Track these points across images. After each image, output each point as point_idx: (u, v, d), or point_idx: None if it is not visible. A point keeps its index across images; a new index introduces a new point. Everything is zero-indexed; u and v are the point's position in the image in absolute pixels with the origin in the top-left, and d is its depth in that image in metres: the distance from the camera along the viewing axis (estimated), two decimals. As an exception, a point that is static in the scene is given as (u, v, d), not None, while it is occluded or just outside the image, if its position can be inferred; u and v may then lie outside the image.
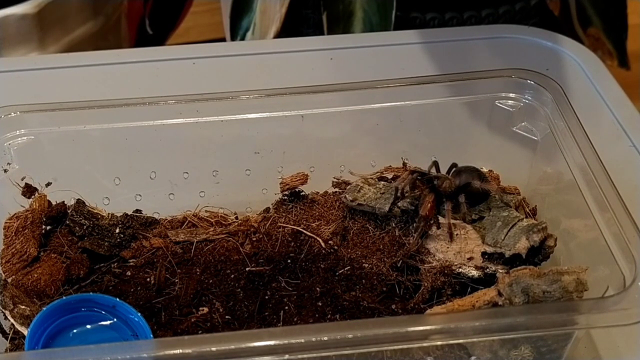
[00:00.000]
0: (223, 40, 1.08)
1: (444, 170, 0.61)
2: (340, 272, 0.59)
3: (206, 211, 0.64)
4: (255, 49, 0.80)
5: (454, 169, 0.61)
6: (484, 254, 0.57)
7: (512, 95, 0.64)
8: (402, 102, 0.64)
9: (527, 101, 0.63)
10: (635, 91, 0.83)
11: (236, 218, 0.64)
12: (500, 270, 0.56)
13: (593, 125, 0.62)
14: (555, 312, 0.49)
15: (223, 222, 0.63)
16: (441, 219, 0.59)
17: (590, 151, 0.58)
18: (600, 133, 0.66)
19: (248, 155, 0.65)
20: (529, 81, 0.63)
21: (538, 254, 0.57)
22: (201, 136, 0.64)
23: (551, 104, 0.62)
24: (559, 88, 0.62)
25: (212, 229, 0.62)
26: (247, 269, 0.59)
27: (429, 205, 0.58)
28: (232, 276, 0.59)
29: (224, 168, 0.65)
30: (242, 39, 0.89)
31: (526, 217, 0.60)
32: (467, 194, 0.59)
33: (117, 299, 0.55)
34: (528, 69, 0.64)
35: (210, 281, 0.58)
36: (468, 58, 0.75)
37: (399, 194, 0.60)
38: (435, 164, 0.61)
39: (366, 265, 0.59)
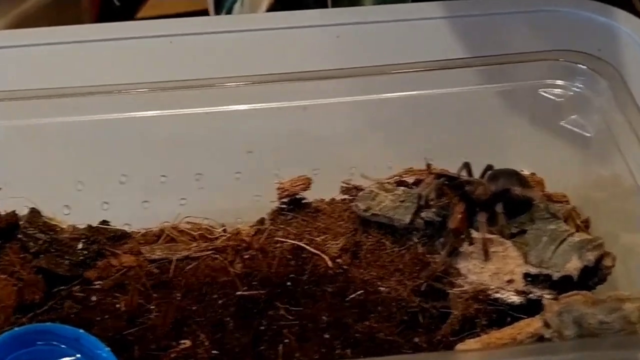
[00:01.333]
0: (206, 13, 1.07)
1: (476, 173, 0.61)
2: (351, 297, 0.58)
3: (188, 222, 0.63)
4: (245, 24, 0.78)
5: (489, 173, 0.61)
6: (526, 275, 0.56)
7: (558, 82, 0.63)
8: (426, 91, 0.64)
9: (577, 90, 0.63)
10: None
11: (224, 231, 0.63)
12: (547, 296, 0.56)
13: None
14: (614, 349, 0.49)
15: (208, 236, 0.63)
16: (474, 233, 0.58)
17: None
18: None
19: (238, 155, 0.64)
20: (579, 65, 0.63)
21: (593, 276, 0.56)
22: (181, 132, 0.64)
23: (607, 92, 0.61)
24: (616, 73, 0.62)
25: (194, 244, 0.62)
26: (237, 293, 0.59)
27: (460, 216, 0.57)
28: (220, 302, 0.58)
29: (208, 170, 0.65)
30: (229, 12, 0.89)
31: (577, 231, 0.59)
32: (505, 202, 0.58)
33: (81, 330, 0.54)
34: (578, 50, 0.63)
35: (194, 308, 0.58)
36: (504, 36, 0.74)
37: (422, 203, 0.59)
38: (467, 166, 0.60)
39: (383, 288, 0.59)
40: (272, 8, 0.89)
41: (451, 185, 0.59)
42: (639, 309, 0.51)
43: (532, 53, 0.65)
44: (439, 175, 0.60)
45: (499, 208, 0.58)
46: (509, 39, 0.75)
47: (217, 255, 0.61)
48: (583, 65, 0.63)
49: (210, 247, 0.62)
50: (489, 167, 0.61)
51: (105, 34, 0.77)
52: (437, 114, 0.66)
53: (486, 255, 0.57)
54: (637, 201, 0.58)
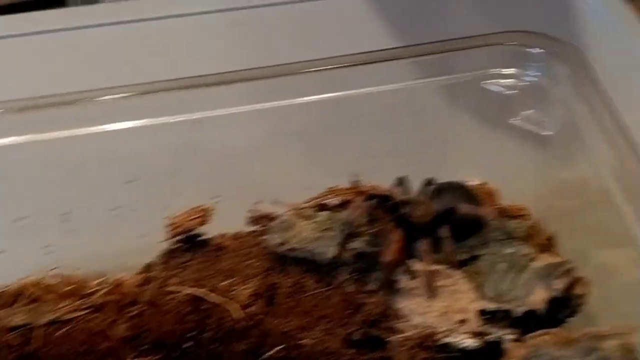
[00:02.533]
0: (63, 4, 1.06)
1: (415, 189, 0.61)
2: (268, 354, 0.58)
3: (55, 276, 0.62)
4: (114, 15, 0.77)
5: (429, 188, 0.61)
6: (482, 312, 0.57)
7: (507, 71, 0.64)
8: (347, 91, 0.64)
9: (531, 79, 0.64)
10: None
11: (102, 283, 0.62)
12: (509, 336, 0.56)
13: (630, 107, 0.62)
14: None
15: (82, 291, 0.62)
16: (416, 265, 0.58)
17: (629, 146, 0.59)
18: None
19: (115, 186, 0.64)
20: (533, 49, 0.63)
21: (563, 308, 0.56)
22: (40, 160, 0.63)
23: (568, 80, 0.62)
24: (579, 55, 0.63)
25: (65, 303, 0.61)
26: (124, 361, 0.58)
27: (396, 245, 0.57)
28: (102, 375, 0.57)
29: (78, 207, 0.64)
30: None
31: (541, 252, 0.59)
32: (452, 224, 0.59)
33: None
34: (530, 31, 0.64)
35: (68, 386, 0.57)
36: (440, 18, 0.74)
37: (350, 231, 0.59)
38: (402, 181, 0.61)
39: (307, 340, 0.58)
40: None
41: (385, 207, 0.59)
42: (621, 346, 0.51)
43: (474, 37, 0.65)
44: (369, 196, 0.60)
45: (444, 232, 0.58)
46: (446, 21, 0.75)
47: (95, 315, 0.60)
48: (538, 48, 0.64)
49: (85, 306, 0.61)
50: (429, 182, 0.61)
51: None
52: (363, 119, 0.66)
53: (431, 291, 0.57)
54: (609, 209, 0.59)
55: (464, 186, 0.61)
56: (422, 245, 0.58)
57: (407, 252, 0.59)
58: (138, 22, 0.75)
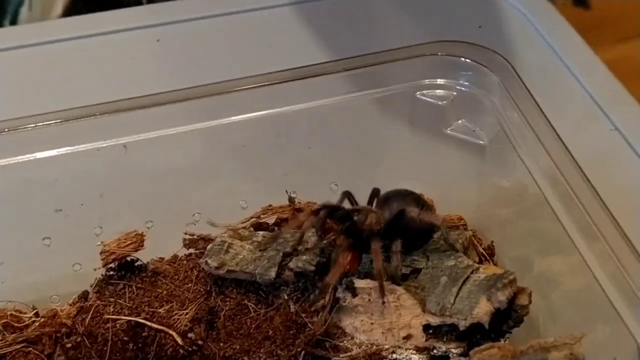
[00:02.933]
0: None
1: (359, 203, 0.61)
2: (211, 380, 0.57)
3: (-15, 310, 0.60)
4: (35, 36, 0.76)
5: (377, 198, 0.60)
6: (427, 327, 0.56)
7: (439, 81, 0.64)
8: (279, 109, 0.63)
9: (462, 89, 0.64)
10: (598, 36, 0.85)
11: (36, 315, 0.61)
12: (454, 351, 0.55)
13: (557, 109, 0.63)
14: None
15: (16, 325, 0.60)
16: (358, 282, 0.57)
17: (560, 149, 0.59)
18: (569, 119, 0.66)
19: (44, 215, 0.62)
20: (462, 59, 0.63)
21: (507, 319, 0.56)
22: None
23: (499, 88, 0.62)
24: (506, 63, 0.63)
25: (-2, 337, 0.59)
26: (64, 396, 0.57)
27: (348, 250, 0.56)
28: (42, 411, 0.56)
29: (6, 239, 0.62)
30: (14, 21, 0.86)
31: (481, 262, 0.60)
32: (403, 232, 0.58)
33: None
34: (456, 40, 0.64)
35: None
36: (370, 31, 0.74)
37: (292, 249, 0.59)
38: (348, 195, 0.60)
39: (250, 364, 0.58)
40: (70, 10, 0.87)
41: (336, 218, 0.58)
42: (568, 357, 0.51)
43: (405, 49, 0.65)
44: (322, 207, 0.59)
45: (395, 246, 0.57)
46: (376, 33, 0.75)
47: (31, 348, 0.59)
48: (467, 57, 0.63)
49: (20, 339, 0.59)
50: (376, 192, 0.61)
51: None
52: (298, 135, 0.65)
53: (382, 293, 0.56)
54: (547, 214, 0.59)
55: (412, 192, 0.60)
56: (375, 244, 0.56)
57: (359, 262, 0.58)
58: (56, 42, 0.73)
